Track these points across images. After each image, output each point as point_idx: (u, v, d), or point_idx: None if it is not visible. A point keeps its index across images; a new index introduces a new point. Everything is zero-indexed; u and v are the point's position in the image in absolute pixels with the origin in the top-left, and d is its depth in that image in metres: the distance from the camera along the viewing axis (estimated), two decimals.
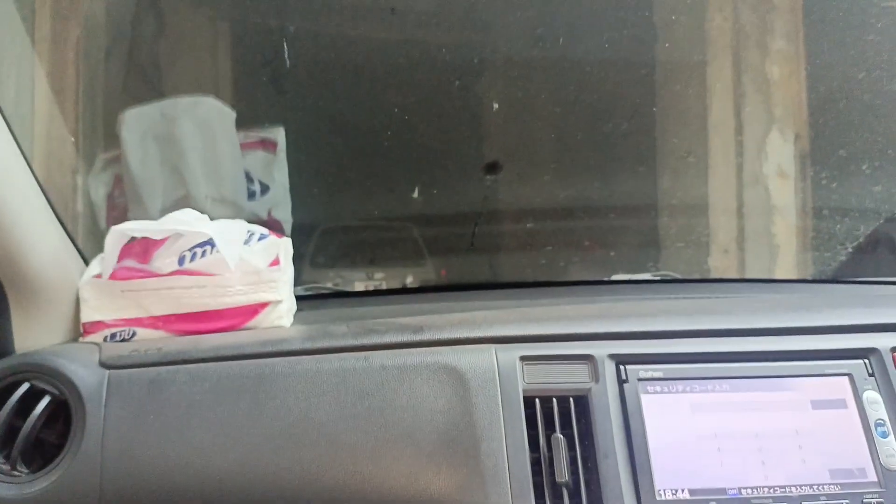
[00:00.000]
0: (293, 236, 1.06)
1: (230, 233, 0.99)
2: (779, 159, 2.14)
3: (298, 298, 1.11)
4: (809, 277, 1.75)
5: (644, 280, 1.37)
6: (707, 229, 1.98)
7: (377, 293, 1.33)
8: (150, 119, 1.18)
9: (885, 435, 0.81)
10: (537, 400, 0.81)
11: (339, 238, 1.71)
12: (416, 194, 1.58)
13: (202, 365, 0.81)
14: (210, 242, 0.95)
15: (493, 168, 1.69)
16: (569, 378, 0.82)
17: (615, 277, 1.41)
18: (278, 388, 0.79)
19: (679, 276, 1.42)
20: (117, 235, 0.95)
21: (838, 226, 1.65)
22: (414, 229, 1.67)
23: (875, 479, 0.79)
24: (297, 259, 1.05)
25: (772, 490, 0.78)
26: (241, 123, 1.23)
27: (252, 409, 0.78)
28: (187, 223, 0.97)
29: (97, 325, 0.93)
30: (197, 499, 0.76)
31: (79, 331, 0.94)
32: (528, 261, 1.74)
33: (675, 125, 2.10)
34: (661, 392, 0.81)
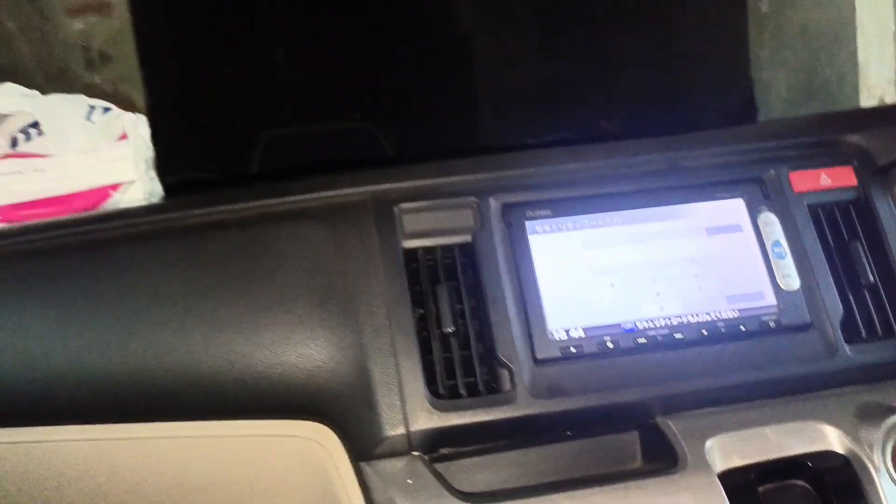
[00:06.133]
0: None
1: (66, 109, 0.87)
2: None
3: (169, 188, 1.00)
4: None
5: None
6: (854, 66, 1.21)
7: (272, 175, 1.20)
8: None
9: (781, 256, 0.78)
10: (420, 252, 0.74)
11: (288, 144, 1.39)
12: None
13: (27, 237, 0.71)
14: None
15: None
16: (452, 226, 0.76)
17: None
18: (121, 258, 0.70)
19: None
20: None
21: None
22: (373, 127, 1.41)
23: (773, 302, 0.76)
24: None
25: (668, 320, 0.74)
26: None
27: (93, 287, 0.69)
28: (13, 101, 0.85)
29: None
30: (39, 395, 0.67)
31: None
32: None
33: None
34: (550, 231, 0.76)
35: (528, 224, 0.76)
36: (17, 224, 0.78)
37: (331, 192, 0.76)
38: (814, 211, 0.80)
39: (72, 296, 0.69)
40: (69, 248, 0.71)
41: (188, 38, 1.26)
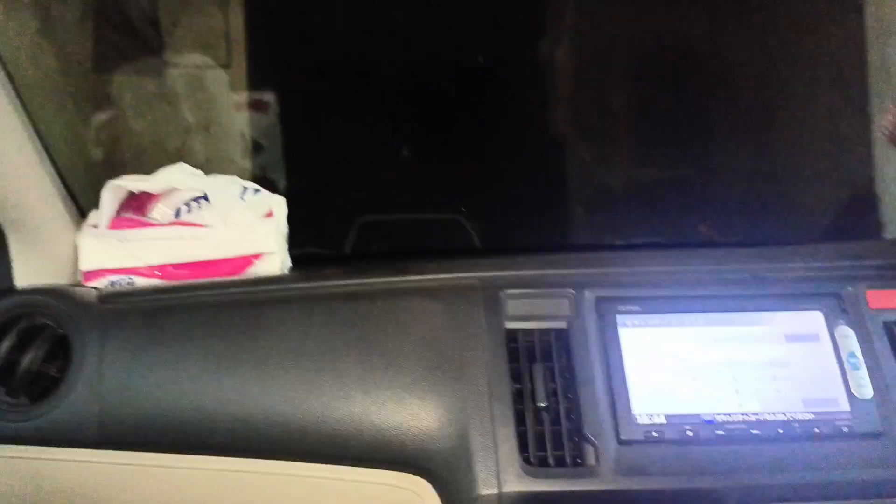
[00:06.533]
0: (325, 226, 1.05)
1: (224, 188, 1.02)
2: None
3: (295, 260, 1.13)
4: None
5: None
6: None
7: (382, 255, 1.34)
8: (150, 80, 1.22)
9: (856, 367, 0.83)
10: (520, 334, 0.84)
11: (380, 231, 1.46)
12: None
13: (198, 293, 0.84)
14: (205, 197, 0.99)
15: None
16: (550, 313, 0.85)
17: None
18: (272, 317, 0.82)
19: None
20: (113, 189, 0.98)
21: None
22: (463, 219, 1.50)
23: (847, 409, 0.81)
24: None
25: (745, 416, 0.80)
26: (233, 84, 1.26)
27: (247, 339, 0.81)
28: (183, 178, 1.01)
29: (96, 274, 0.96)
30: (192, 428, 0.78)
31: (78, 280, 0.97)
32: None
33: None
34: (639, 325, 0.84)
35: (619, 317, 0.84)
36: (179, 281, 0.92)
37: (446, 275, 0.87)
38: (888, 327, 0.85)
39: (229, 344, 0.81)
40: (233, 303, 0.83)
41: (321, 138, 1.43)
